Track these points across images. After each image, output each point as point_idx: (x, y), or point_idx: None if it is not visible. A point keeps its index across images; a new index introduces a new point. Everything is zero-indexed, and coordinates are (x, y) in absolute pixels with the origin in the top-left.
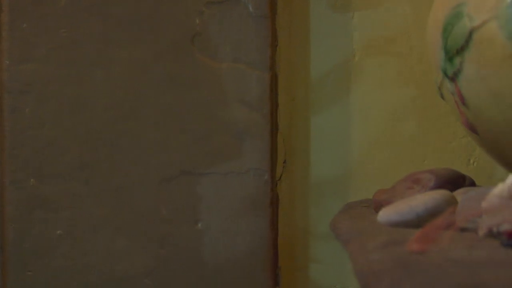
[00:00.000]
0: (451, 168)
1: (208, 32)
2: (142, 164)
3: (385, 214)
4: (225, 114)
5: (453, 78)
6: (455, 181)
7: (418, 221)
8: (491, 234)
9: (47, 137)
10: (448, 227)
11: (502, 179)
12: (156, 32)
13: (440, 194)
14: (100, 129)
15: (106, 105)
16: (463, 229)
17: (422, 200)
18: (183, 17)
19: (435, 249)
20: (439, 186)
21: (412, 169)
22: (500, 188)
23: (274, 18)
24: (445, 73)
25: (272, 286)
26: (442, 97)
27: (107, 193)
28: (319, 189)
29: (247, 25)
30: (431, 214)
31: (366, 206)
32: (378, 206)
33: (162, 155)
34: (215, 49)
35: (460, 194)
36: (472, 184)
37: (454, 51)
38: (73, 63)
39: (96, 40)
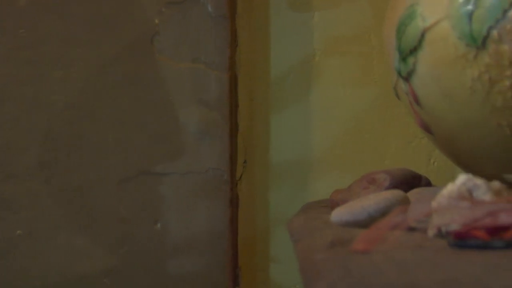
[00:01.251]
0: (407, 168)
1: (167, 32)
2: (101, 164)
3: (338, 214)
4: (184, 114)
5: (407, 78)
6: (410, 181)
7: (370, 221)
8: (440, 234)
9: (6, 137)
10: (395, 227)
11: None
12: (116, 32)
13: (392, 194)
14: (59, 129)
15: (66, 105)
16: (413, 229)
17: (374, 200)
18: (142, 17)
19: (379, 249)
20: (394, 186)
21: (373, 169)
22: (449, 189)
23: (234, 18)
24: (399, 73)
25: (232, 286)
26: (398, 97)
27: (66, 193)
28: (279, 189)
29: (206, 25)
30: (383, 214)
31: (324, 206)
32: (334, 206)
33: (121, 155)
34: (174, 49)
35: (414, 194)
36: (428, 184)
37: (408, 51)
38: (32, 63)
39: (56, 41)
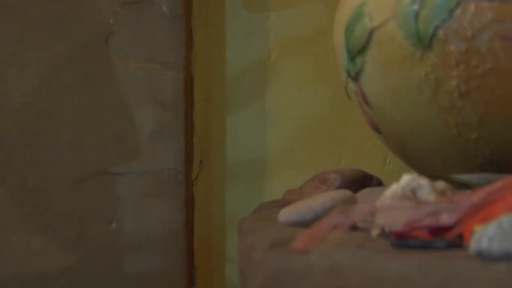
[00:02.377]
0: (357, 168)
1: (123, 32)
2: (57, 164)
3: (285, 214)
4: (139, 114)
5: (356, 78)
6: (361, 181)
7: (317, 221)
8: (384, 234)
9: None
10: (337, 227)
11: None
12: (71, 32)
13: (339, 194)
14: (15, 128)
15: (21, 105)
16: (357, 229)
17: (321, 200)
18: (97, 17)
19: (319, 249)
20: (345, 186)
21: (329, 168)
22: (393, 189)
23: (190, 18)
24: (349, 73)
25: (188, 285)
26: (349, 97)
27: (22, 192)
28: (236, 189)
29: (162, 25)
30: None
31: (277, 206)
32: (286, 206)
33: (77, 155)
34: (129, 50)
35: (363, 194)
36: (379, 184)
37: (356, 51)
38: None
39: (11, 40)
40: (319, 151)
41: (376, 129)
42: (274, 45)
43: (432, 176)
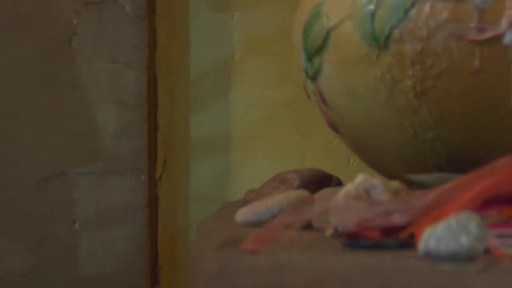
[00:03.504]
0: (317, 168)
1: (85, 32)
2: (20, 164)
3: (242, 214)
4: (102, 114)
5: (314, 78)
6: (321, 181)
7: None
8: (337, 234)
9: None
10: (289, 227)
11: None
12: (34, 33)
13: (296, 194)
14: None
15: None
16: (312, 229)
17: (277, 200)
18: (60, 17)
19: (268, 249)
20: (304, 186)
21: (293, 168)
22: (347, 188)
23: (153, 18)
24: (307, 73)
25: (151, 285)
26: (308, 97)
27: None
28: (200, 188)
29: (124, 25)
30: None
31: (239, 206)
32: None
33: (40, 155)
34: (92, 50)
35: (321, 194)
36: (339, 184)
37: (313, 51)
38: None
39: None
40: (283, 151)
41: (335, 129)
42: (238, 45)
43: (393, 176)
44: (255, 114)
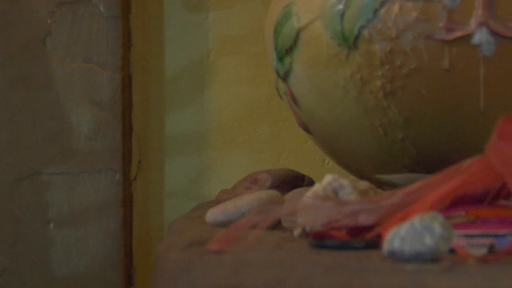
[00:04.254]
0: (289, 169)
1: (60, 32)
2: None
3: (212, 214)
4: (76, 114)
5: (285, 78)
6: (292, 181)
7: None
8: (305, 234)
9: None
10: (256, 226)
11: (354, 179)
12: (8, 32)
13: (266, 194)
14: None
15: None
16: (280, 228)
17: (247, 200)
18: (34, 17)
19: (233, 249)
20: (275, 186)
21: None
22: (315, 189)
23: (128, 18)
24: (278, 73)
25: (126, 285)
26: (280, 97)
27: None
28: (175, 188)
29: (99, 25)
30: None
31: (212, 206)
32: None
33: (14, 155)
34: (66, 50)
35: (291, 195)
36: (312, 184)
37: (284, 51)
38: None
39: None
40: (258, 151)
41: (306, 129)
42: (213, 45)
43: (364, 176)
44: (230, 113)
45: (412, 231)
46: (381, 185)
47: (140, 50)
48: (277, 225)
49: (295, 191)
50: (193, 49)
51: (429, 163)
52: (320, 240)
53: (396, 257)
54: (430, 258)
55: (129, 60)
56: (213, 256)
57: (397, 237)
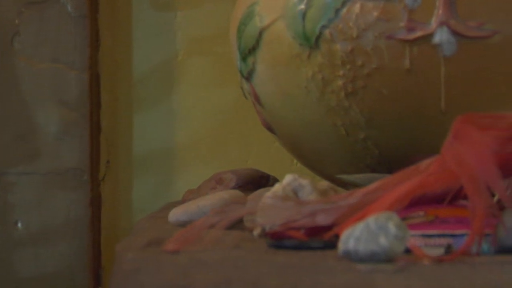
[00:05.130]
0: (254, 169)
1: (27, 32)
2: None
3: (175, 214)
4: (44, 114)
5: (248, 78)
6: (257, 181)
7: None
8: (264, 234)
9: None
10: (213, 227)
11: (319, 179)
12: None
13: (229, 194)
14: None
15: None
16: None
17: (210, 200)
18: (2, 17)
19: (190, 249)
20: (240, 186)
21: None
22: (275, 189)
23: (96, 17)
24: (242, 73)
25: (94, 286)
26: (245, 97)
27: None
28: (143, 188)
29: (66, 25)
30: None
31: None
32: None
33: None
34: (34, 50)
35: (255, 195)
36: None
37: (247, 51)
38: None
39: None
40: (226, 151)
41: (270, 129)
42: (181, 45)
43: (327, 176)
44: (198, 114)
45: (367, 231)
46: (346, 185)
47: (108, 49)
48: (240, 225)
49: (259, 191)
50: (162, 49)
51: (392, 163)
52: (278, 240)
53: (351, 257)
54: (385, 258)
55: (97, 59)
56: (168, 256)
57: (352, 237)
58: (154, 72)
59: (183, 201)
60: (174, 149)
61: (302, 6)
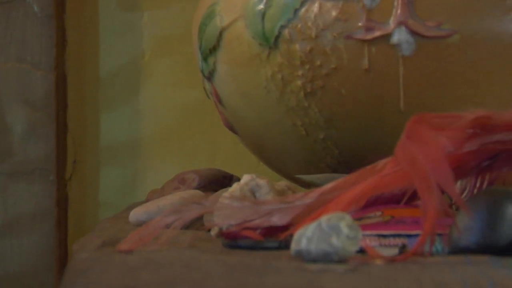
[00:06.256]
0: (217, 169)
1: None
2: None
3: (135, 214)
4: (9, 115)
5: (209, 78)
6: (220, 181)
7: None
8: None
9: None
10: (169, 226)
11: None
12: None
13: (189, 194)
14: None
15: None
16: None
17: (170, 200)
18: None
19: (144, 249)
20: (202, 186)
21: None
22: (232, 189)
23: (62, 17)
24: (203, 73)
25: (60, 284)
26: (208, 97)
27: None
28: (110, 188)
29: (32, 25)
30: None
31: None
32: None
33: None
34: (0, 50)
35: (217, 195)
36: None
37: (208, 51)
38: None
39: None
40: (193, 151)
41: (232, 129)
42: (148, 45)
43: (289, 176)
44: (165, 114)
45: (319, 231)
46: (310, 186)
47: (75, 49)
48: (198, 225)
49: (220, 191)
50: (128, 49)
51: (352, 162)
52: (233, 240)
53: (303, 257)
54: (337, 258)
55: (64, 59)
56: (120, 256)
57: (304, 237)
58: (121, 72)
59: (147, 201)
60: (140, 148)
61: (262, 6)
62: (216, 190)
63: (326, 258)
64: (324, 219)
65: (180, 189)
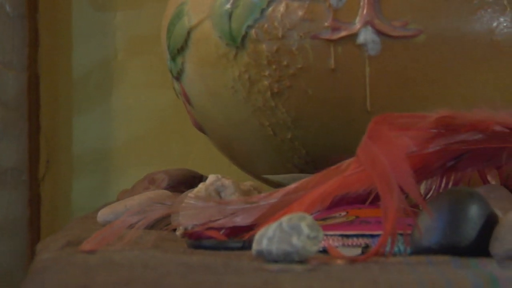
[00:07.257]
0: (187, 169)
1: None
2: None
3: (103, 214)
4: None
5: (178, 78)
6: (190, 181)
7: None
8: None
9: None
10: (133, 226)
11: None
12: None
13: (156, 194)
14: None
15: None
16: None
17: (137, 200)
18: None
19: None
20: (172, 186)
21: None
22: (197, 189)
23: (35, 17)
24: (172, 73)
25: None
26: (178, 97)
27: None
28: (82, 188)
29: (4, 25)
30: None
31: None
32: None
33: None
34: None
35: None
36: None
37: (176, 51)
38: None
39: None
40: (166, 151)
41: (201, 129)
42: (121, 45)
43: (258, 176)
44: (138, 114)
45: (280, 231)
46: (279, 186)
47: (47, 49)
48: (163, 225)
49: (187, 191)
50: (101, 49)
51: (319, 162)
52: (197, 240)
53: (265, 257)
54: (298, 258)
55: (37, 59)
56: (81, 256)
57: (265, 237)
58: (94, 72)
59: (117, 201)
60: (114, 149)
61: (228, 6)
62: (185, 190)
63: (287, 258)
64: (285, 219)
65: (150, 189)
